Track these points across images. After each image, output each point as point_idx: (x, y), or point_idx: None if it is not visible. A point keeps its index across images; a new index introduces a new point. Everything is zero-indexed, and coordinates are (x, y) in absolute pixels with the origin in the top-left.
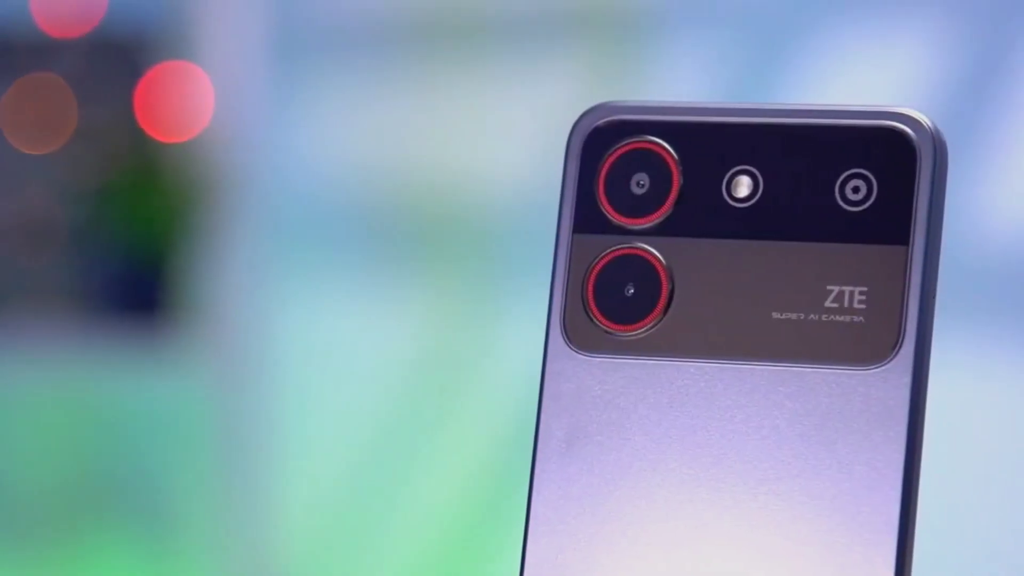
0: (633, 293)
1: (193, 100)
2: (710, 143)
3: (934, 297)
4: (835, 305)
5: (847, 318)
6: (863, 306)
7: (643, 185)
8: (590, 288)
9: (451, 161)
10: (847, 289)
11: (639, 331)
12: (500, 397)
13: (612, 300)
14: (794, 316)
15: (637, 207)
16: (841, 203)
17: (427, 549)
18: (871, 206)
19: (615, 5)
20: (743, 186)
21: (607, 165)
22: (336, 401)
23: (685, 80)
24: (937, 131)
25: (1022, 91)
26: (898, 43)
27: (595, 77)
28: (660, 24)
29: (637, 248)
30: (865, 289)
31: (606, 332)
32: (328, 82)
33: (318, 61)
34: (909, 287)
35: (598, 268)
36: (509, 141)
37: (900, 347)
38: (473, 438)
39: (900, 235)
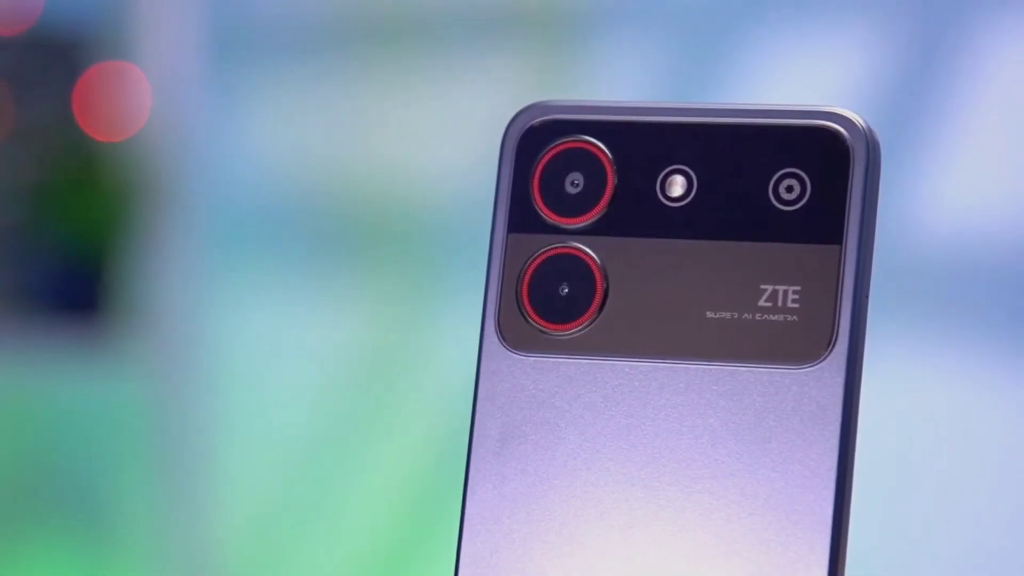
0: (567, 292)
1: (131, 100)
2: (644, 143)
3: (867, 296)
4: (769, 304)
5: (781, 317)
6: (797, 305)
7: (577, 184)
8: (524, 287)
9: (390, 161)
10: (781, 288)
11: (573, 330)
12: (439, 396)
13: (547, 299)
14: (728, 315)
15: (572, 206)
16: (775, 203)
17: (365, 549)
18: (805, 206)
19: (554, 5)
20: (677, 186)
21: (541, 164)
22: (274, 401)
23: (623, 80)
24: (870, 131)
25: (957, 91)
26: (834, 43)
27: (534, 76)
28: (599, 24)
29: (571, 247)
30: (799, 288)
31: (541, 331)
32: (267, 82)
33: (256, 61)
34: (842, 286)
35: (532, 267)
36: (449, 141)
37: (834, 346)
38: (412, 437)
39: (833, 234)
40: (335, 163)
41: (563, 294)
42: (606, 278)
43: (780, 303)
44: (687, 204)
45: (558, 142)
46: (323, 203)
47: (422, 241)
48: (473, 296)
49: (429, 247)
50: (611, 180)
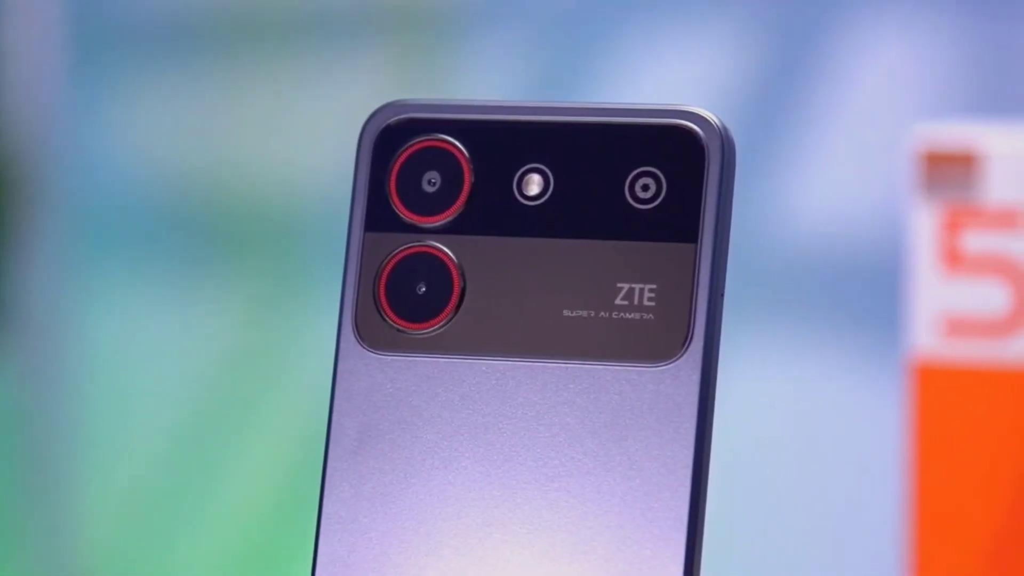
0: (424, 291)
1: None
2: (501, 141)
3: (722, 294)
4: (625, 303)
5: (637, 315)
6: (653, 303)
7: (434, 183)
8: (381, 286)
9: (258, 161)
10: (637, 287)
11: (431, 329)
12: (304, 396)
13: (403, 298)
14: (584, 314)
15: (428, 205)
16: (631, 201)
17: (230, 549)
18: (660, 204)
19: (421, 3)
20: (534, 184)
21: (398, 163)
22: (143, 403)
23: (490, 79)
24: (725, 130)
25: (818, 92)
26: (700, 44)
27: (401, 76)
28: (464, 24)
29: (428, 246)
30: (654, 287)
31: (398, 330)
32: (133, 80)
33: (122, 59)
34: (698, 284)
35: (389, 266)
36: (317, 140)
37: (689, 344)
38: (278, 438)
39: (689, 233)
40: (203, 162)
41: (420, 293)
42: (463, 277)
43: (636, 301)
44: (544, 203)
45: (414, 141)
46: (191, 203)
47: (291, 241)
48: (337, 295)
49: (298, 247)
50: (468, 179)
